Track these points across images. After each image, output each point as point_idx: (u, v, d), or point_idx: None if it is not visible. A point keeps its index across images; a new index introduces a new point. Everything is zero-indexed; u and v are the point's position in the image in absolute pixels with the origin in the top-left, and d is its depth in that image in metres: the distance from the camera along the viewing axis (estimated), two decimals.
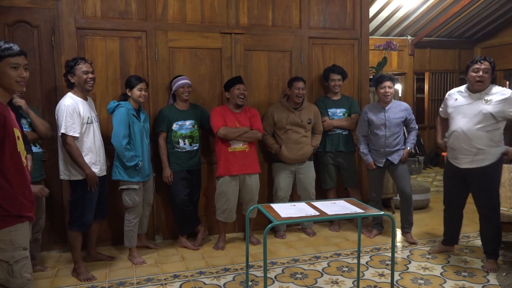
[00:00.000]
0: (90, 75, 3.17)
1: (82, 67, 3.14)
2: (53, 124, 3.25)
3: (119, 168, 3.43)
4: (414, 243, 3.95)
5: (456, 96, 3.38)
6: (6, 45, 1.90)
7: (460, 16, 7.23)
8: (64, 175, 3.22)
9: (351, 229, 4.40)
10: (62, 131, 3.05)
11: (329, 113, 4.28)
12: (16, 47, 1.93)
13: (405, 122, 3.98)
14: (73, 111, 3.07)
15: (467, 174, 3.30)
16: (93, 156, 3.20)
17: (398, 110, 3.92)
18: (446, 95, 3.52)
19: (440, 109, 3.62)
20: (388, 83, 3.86)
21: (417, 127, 4.04)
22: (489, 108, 3.15)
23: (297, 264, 3.53)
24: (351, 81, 4.61)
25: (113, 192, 3.86)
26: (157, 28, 3.92)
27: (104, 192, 3.41)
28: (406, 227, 4.05)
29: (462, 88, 3.38)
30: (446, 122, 3.52)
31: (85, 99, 3.24)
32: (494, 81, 8.29)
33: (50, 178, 3.73)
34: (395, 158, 3.92)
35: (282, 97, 4.21)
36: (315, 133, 4.19)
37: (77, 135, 3.08)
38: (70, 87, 3.21)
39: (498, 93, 3.18)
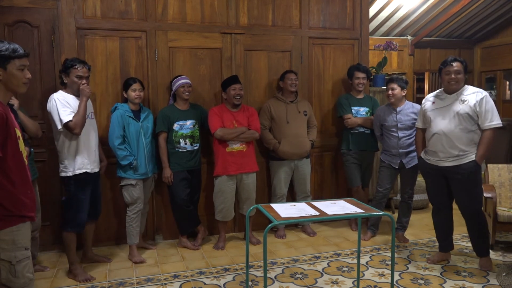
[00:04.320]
0: (84, 81, 3.15)
1: (78, 71, 3.12)
2: (48, 123, 3.23)
3: (118, 166, 3.54)
4: (404, 242, 3.98)
5: (433, 99, 3.39)
6: (13, 47, 1.90)
7: (460, 16, 7.23)
8: (61, 172, 3.22)
9: (351, 229, 4.40)
10: (64, 120, 3.03)
11: (352, 111, 4.27)
12: (21, 49, 1.94)
13: None
14: (64, 101, 3.08)
15: (447, 173, 3.28)
16: (80, 153, 3.18)
17: (410, 111, 3.90)
18: (422, 102, 3.50)
19: (417, 122, 3.58)
20: (391, 85, 3.87)
21: None
22: (466, 108, 3.17)
23: (297, 264, 3.53)
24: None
25: (113, 192, 3.88)
26: (157, 28, 3.92)
27: (97, 191, 3.42)
28: (399, 228, 4.07)
29: (438, 91, 3.41)
30: (424, 134, 3.48)
31: (77, 96, 3.20)
32: (492, 81, 8.37)
33: (49, 178, 3.74)
34: (408, 162, 3.91)
35: (277, 92, 4.22)
36: (310, 127, 4.20)
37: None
38: (63, 85, 3.23)
39: (474, 93, 3.20)
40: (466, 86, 3.28)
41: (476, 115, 3.16)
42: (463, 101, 3.19)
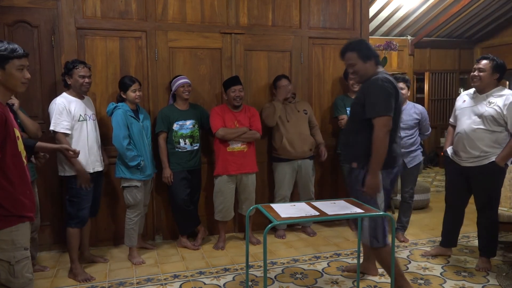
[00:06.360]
0: (87, 80, 3.23)
1: (80, 71, 3.20)
2: (48, 123, 3.27)
3: (121, 166, 3.48)
4: (404, 241, 3.99)
5: (465, 97, 3.36)
6: (12, 47, 1.91)
7: (460, 16, 7.23)
8: (60, 171, 3.29)
9: (351, 229, 4.40)
10: (51, 128, 3.16)
11: (348, 111, 4.25)
12: (21, 49, 1.94)
13: (419, 126, 3.97)
14: (62, 109, 3.15)
15: (469, 173, 3.27)
16: (83, 154, 3.18)
17: (413, 112, 3.91)
18: (457, 99, 3.49)
19: (451, 119, 3.55)
20: (400, 85, 3.87)
21: (429, 131, 4.07)
22: (490, 111, 3.11)
23: (297, 264, 3.53)
24: None
25: (113, 192, 3.88)
26: (157, 28, 3.92)
27: (98, 190, 3.44)
28: (399, 228, 4.08)
29: (472, 90, 3.34)
30: (454, 130, 3.45)
31: (81, 98, 3.30)
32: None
33: (49, 178, 3.74)
34: (410, 162, 3.92)
35: (273, 99, 4.19)
36: (313, 128, 4.20)
37: (66, 131, 3.15)
38: (66, 87, 3.28)
39: (503, 96, 3.12)
40: (501, 88, 3.20)
41: (502, 118, 3.08)
42: (490, 103, 3.14)
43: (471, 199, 3.42)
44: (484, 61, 3.19)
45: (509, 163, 3.22)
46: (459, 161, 3.31)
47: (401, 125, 3.86)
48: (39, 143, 2.33)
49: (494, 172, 3.17)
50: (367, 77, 2.77)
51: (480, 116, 3.15)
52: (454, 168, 3.37)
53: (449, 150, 3.43)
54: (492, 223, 3.31)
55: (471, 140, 3.18)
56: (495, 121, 3.10)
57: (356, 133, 2.82)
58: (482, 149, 3.15)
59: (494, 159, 3.14)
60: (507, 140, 3.14)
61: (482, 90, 3.22)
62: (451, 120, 3.54)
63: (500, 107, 3.09)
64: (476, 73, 3.20)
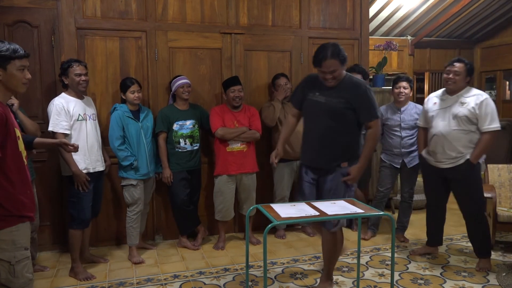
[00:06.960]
0: (83, 78, 3.22)
1: (75, 69, 3.19)
2: (48, 123, 3.27)
3: (120, 166, 3.53)
4: (403, 241, 4.00)
5: (435, 100, 3.40)
6: (13, 47, 1.91)
7: (460, 16, 7.23)
8: (63, 171, 3.32)
9: (351, 229, 4.40)
10: (50, 128, 3.16)
11: None
12: (22, 49, 1.95)
13: None
14: (61, 109, 3.14)
15: (447, 174, 3.31)
16: (82, 153, 3.19)
17: (414, 112, 3.92)
18: (425, 101, 3.53)
19: (418, 121, 3.61)
20: (403, 84, 3.90)
21: None
22: (464, 111, 3.17)
23: (297, 264, 3.53)
24: None
25: (113, 192, 3.88)
26: (157, 28, 3.92)
27: (99, 190, 3.44)
28: (399, 228, 4.08)
29: (440, 91, 3.41)
30: (426, 133, 3.47)
31: (80, 98, 3.29)
32: (492, 81, 8.36)
33: (49, 178, 3.74)
34: (410, 162, 3.93)
35: (270, 99, 4.22)
36: None
37: (65, 131, 3.14)
38: (65, 87, 3.27)
39: (474, 96, 3.19)
40: (469, 88, 3.27)
41: (476, 118, 3.15)
42: (463, 104, 3.20)
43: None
44: (460, 64, 3.25)
45: (481, 161, 3.28)
46: (435, 164, 3.34)
47: (402, 125, 3.89)
48: (38, 139, 2.34)
49: (469, 170, 3.21)
50: (340, 79, 2.81)
51: (455, 117, 3.20)
52: (431, 170, 3.41)
53: (424, 153, 3.47)
54: (481, 224, 3.31)
55: (448, 141, 3.22)
56: (469, 120, 3.17)
57: (347, 134, 2.84)
58: (458, 150, 3.20)
59: (467, 158, 3.19)
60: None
61: (454, 92, 3.27)
62: (420, 123, 3.57)
63: (473, 107, 3.15)
64: (451, 75, 3.24)
